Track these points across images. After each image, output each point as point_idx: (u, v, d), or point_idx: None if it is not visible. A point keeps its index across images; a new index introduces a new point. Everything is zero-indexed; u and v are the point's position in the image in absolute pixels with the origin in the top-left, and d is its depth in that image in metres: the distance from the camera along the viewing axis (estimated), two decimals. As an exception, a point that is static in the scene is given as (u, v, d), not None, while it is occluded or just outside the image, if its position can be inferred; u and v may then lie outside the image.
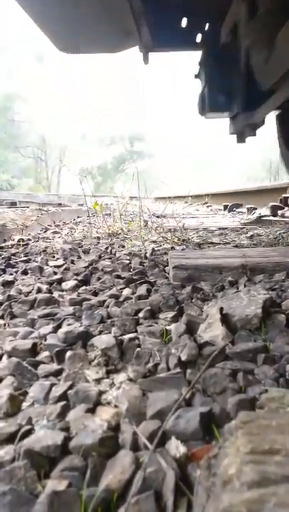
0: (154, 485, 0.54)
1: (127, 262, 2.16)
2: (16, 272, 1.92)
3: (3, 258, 2.29)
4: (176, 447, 0.60)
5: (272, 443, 0.41)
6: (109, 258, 2.30)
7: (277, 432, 0.43)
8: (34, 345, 0.99)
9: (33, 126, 42.84)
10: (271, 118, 3.11)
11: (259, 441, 0.41)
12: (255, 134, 2.98)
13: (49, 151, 43.46)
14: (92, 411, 0.72)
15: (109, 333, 1.06)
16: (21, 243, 2.91)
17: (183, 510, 0.51)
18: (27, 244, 2.91)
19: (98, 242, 3.09)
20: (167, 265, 2.00)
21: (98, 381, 0.86)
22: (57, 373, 0.88)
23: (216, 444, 0.46)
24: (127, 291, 1.52)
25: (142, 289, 1.50)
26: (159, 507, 0.51)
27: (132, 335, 1.05)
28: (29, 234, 3.59)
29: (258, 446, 0.41)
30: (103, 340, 0.98)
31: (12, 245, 2.83)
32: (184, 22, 3.03)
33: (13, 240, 3.10)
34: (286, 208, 5.58)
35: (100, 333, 1.06)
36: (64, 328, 1.07)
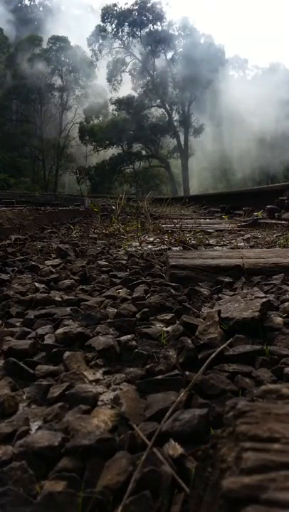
0: (150, 484, 0.54)
1: (124, 262, 2.16)
2: (13, 271, 1.91)
3: (-1, 257, 2.27)
4: (173, 448, 0.60)
5: (271, 431, 0.41)
6: (106, 258, 2.30)
7: (277, 421, 0.43)
8: (31, 345, 0.98)
9: (30, 125, 42.79)
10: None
11: (258, 430, 0.42)
12: None
13: (46, 150, 43.38)
14: (89, 412, 0.72)
15: (107, 334, 1.06)
16: (18, 242, 2.90)
17: (178, 506, 0.51)
18: (24, 244, 2.90)
19: (95, 243, 3.08)
20: (164, 265, 2.00)
21: (96, 382, 0.85)
22: (54, 374, 0.88)
23: (213, 435, 0.46)
24: (123, 292, 1.51)
25: (139, 290, 1.49)
26: (154, 506, 0.51)
27: (129, 336, 1.05)
28: (26, 233, 3.58)
29: (257, 435, 0.41)
30: (101, 342, 0.98)
31: (9, 244, 2.82)
32: None
33: (10, 239, 3.09)
34: (283, 211, 5.61)
35: (98, 334, 1.06)
36: (61, 329, 1.07)
